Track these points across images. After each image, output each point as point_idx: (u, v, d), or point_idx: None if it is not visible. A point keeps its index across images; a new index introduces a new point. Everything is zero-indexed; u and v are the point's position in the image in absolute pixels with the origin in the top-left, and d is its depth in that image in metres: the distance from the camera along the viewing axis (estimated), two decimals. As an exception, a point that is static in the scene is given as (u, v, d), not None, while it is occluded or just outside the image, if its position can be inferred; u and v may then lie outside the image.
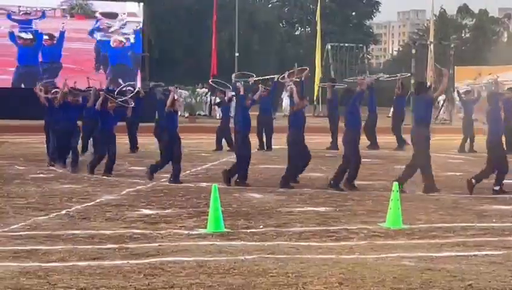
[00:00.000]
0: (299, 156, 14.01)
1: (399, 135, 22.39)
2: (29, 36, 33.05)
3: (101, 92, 15.97)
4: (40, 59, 32.93)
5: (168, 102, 14.42)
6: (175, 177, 14.21)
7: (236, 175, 14.09)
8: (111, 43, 34.14)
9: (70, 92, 16.61)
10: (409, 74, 26.11)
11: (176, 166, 14.27)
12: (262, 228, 9.92)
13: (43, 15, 33.18)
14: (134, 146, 20.47)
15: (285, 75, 16.58)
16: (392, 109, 26.08)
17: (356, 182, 13.73)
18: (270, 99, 22.73)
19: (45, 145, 17.85)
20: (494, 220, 10.75)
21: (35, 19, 33.15)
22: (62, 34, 33.24)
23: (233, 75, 22.52)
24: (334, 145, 21.74)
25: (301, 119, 14.16)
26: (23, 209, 11.18)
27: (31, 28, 33.04)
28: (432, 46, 46.61)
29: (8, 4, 33.07)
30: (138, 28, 34.76)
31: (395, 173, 13.92)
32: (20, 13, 33.03)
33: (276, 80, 19.54)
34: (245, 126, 14.23)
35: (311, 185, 14.15)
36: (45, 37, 33.06)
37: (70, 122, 16.26)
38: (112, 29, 34.21)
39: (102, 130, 15.31)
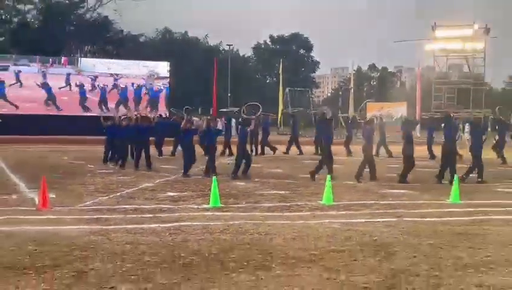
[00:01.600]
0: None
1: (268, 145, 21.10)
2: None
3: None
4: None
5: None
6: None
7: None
8: (154, 88, 37.13)
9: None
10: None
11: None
12: (244, 204, 9.91)
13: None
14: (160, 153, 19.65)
15: (244, 108, 15.78)
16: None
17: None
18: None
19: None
20: (390, 199, 10.79)
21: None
22: (132, 84, 36.41)
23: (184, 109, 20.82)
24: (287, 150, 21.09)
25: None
26: (93, 192, 11.13)
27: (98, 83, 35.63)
28: (352, 90, 47.08)
29: (97, 72, 35.65)
30: (166, 80, 37.47)
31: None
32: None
33: (235, 112, 18.46)
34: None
35: (276, 177, 14.13)
36: (122, 86, 35.81)
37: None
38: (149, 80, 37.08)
39: (188, 144, 14.21)
